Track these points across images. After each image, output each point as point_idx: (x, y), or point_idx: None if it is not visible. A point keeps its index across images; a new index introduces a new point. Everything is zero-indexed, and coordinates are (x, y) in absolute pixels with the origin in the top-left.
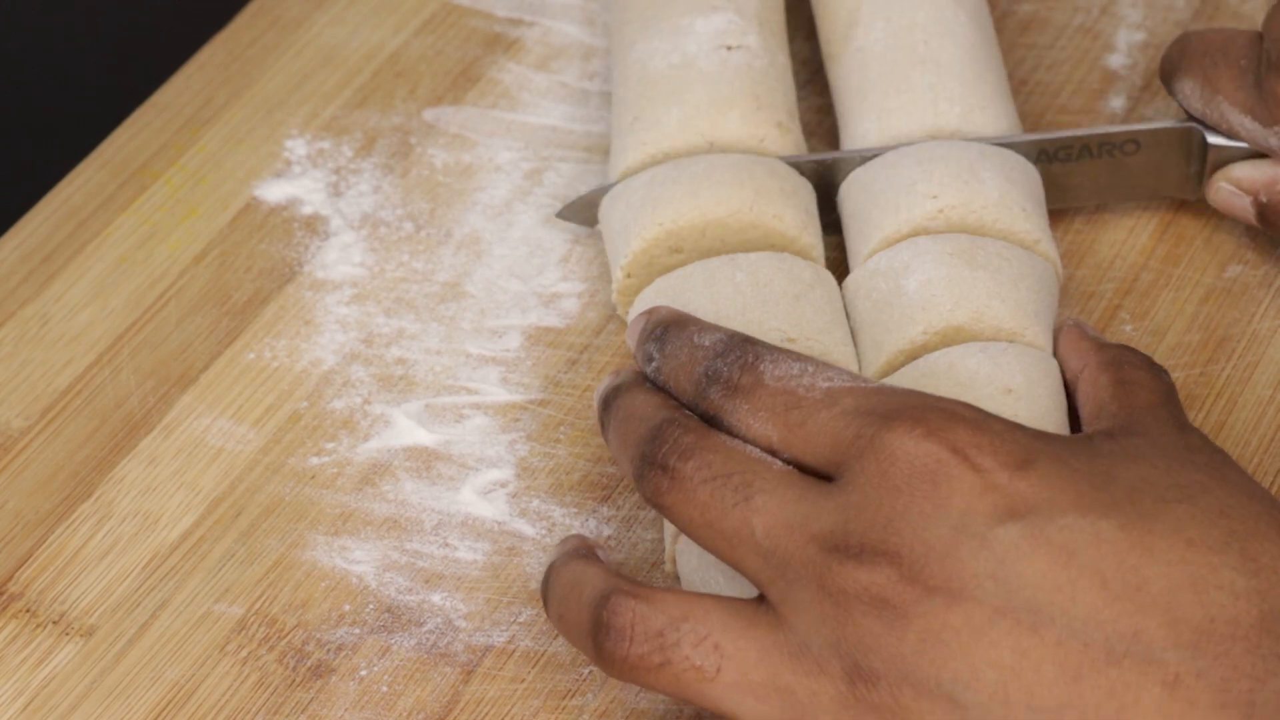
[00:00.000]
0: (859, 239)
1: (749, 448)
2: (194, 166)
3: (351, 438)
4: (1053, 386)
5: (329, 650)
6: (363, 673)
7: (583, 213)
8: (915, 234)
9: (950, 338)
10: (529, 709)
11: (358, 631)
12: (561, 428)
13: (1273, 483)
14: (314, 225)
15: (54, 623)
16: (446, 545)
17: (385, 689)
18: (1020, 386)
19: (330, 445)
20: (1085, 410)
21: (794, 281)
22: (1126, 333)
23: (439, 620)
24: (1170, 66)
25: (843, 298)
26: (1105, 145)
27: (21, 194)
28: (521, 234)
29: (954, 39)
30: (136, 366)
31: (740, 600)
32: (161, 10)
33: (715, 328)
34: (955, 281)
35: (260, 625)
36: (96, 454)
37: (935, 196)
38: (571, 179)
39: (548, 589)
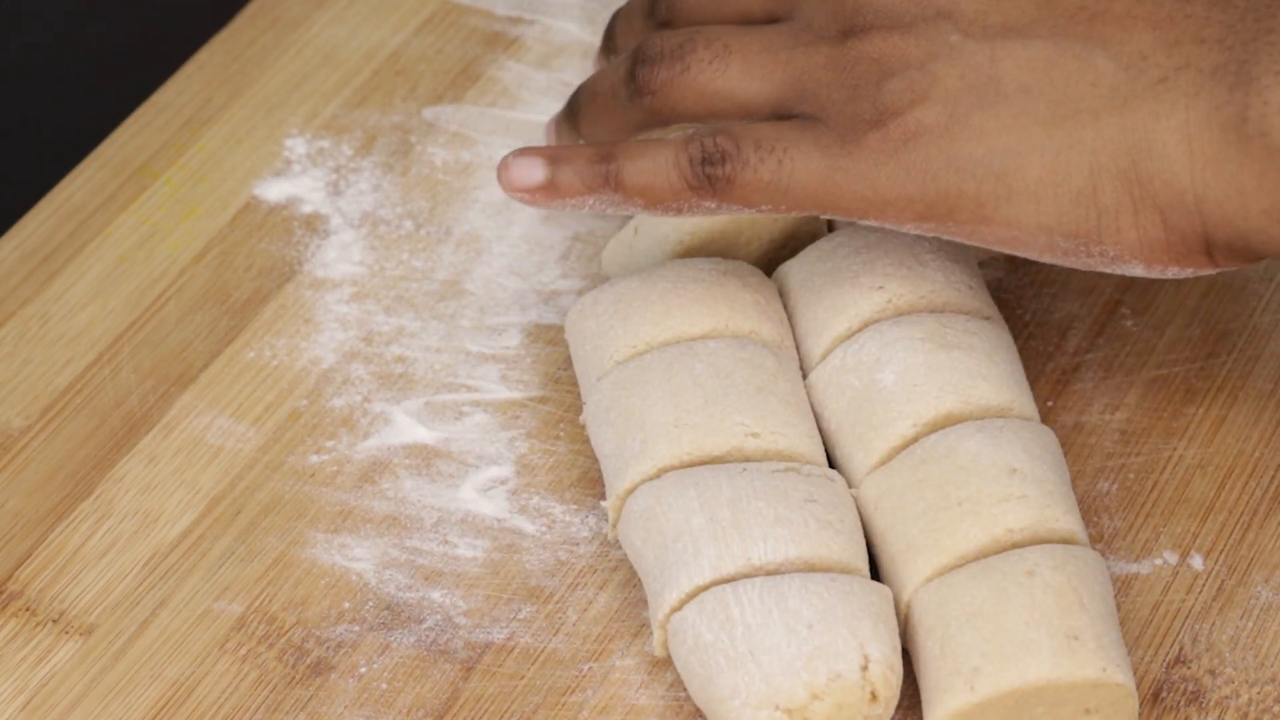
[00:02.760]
0: (808, 337)
1: None
2: (194, 166)
3: (351, 435)
4: (1054, 459)
5: (328, 648)
6: (362, 670)
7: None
8: (867, 326)
9: (939, 425)
10: (528, 705)
11: (357, 629)
12: (561, 425)
13: (1273, 478)
14: (314, 224)
15: (54, 621)
16: (446, 542)
17: (385, 686)
18: (1024, 465)
19: (330, 443)
20: None
21: (756, 371)
22: (1128, 327)
23: (438, 617)
24: None
25: (808, 396)
26: None
27: (21, 194)
28: (521, 231)
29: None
30: (136, 365)
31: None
32: (161, 10)
33: None
34: (934, 368)
35: (260, 623)
36: (96, 453)
37: (881, 288)
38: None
39: (574, 99)
